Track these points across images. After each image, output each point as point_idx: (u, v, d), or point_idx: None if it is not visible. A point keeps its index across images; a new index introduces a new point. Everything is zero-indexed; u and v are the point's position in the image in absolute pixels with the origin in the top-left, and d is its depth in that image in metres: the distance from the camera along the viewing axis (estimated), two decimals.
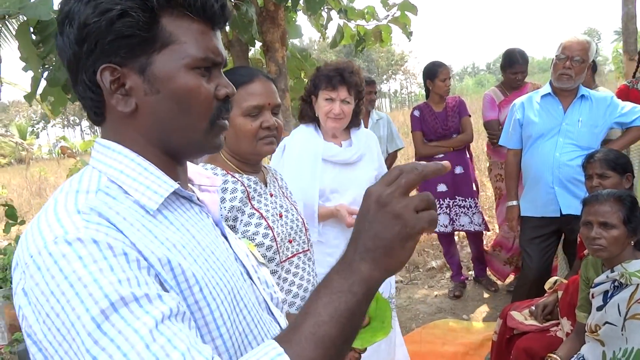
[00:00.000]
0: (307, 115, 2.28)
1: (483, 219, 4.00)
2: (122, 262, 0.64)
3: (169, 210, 0.77)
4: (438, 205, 3.98)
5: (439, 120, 3.96)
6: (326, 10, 4.42)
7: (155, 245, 0.70)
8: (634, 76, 3.55)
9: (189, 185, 0.90)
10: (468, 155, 4.07)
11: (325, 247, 2.15)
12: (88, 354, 0.59)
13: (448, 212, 3.98)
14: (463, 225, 3.98)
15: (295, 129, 2.40)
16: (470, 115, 4.05)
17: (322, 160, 2.21)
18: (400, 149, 4.20)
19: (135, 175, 0.76)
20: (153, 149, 0.79)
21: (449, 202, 3.97)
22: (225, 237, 0.90)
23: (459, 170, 3.95)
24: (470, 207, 3.96)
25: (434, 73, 3.94)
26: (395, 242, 0.65)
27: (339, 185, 2.23)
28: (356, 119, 2.29)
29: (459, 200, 3.97)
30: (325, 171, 2.21)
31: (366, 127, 4.04)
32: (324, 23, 4.45)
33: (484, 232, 4.17)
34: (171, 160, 0.82)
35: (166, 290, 0.69)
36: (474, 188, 4.01)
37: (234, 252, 0.90)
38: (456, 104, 4.01)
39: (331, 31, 4.72)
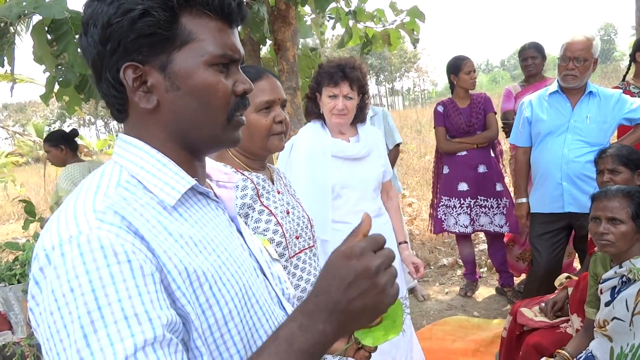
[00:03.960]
0: (313, 112, 2.29)
1: (506, 221, 3.82)
2: (124, 269, 0.65)
3: (185, 206, 0.80)
4: (459, 205, 3.86)
5: (463, 116, 3.84)
6: (328, 17, 4.43)
7: (169, 243, 0.72)
8: (623, 79, 3.52)
9: (207, 181, 0.92)
10: (494, 155, 3.94)
11: (330, 245, 2.16)
12: (70, 358, 0.62)
13: (469, 212, 3.86)
14: (483, 226, 3.86)
15: (302, 128, 2.40)
16: (495, 112, 3.94)
17: (331, 157, 2.22)
18: (398, 144, 3.98)
19: (155, 171, 0.78)
20: (173, 145, 0.81)
21: (470, 201, 3.84)
22: (241, 233, 0.92)
23: (482, 169, 3.84)
24: (492, 207, 3.83)
25: (458, 67, 3.84)
26: (368, 312, 0.68)
27: (349, 181, 2.23)
28: (361, 114, 2.29)
29: (481, 200, 3.85)
30: (334, 167, 2.22)
31: None
32: (333, 24, 4.47)
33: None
34: (190, 156, 0.84)
35: (172, 290, 0.70)
36: (500, 188, 3.86)
37: (249, 247, 0.92)
38: (482, 100, 3.89)
39: (339, 31, 4.74)
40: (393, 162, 3.96)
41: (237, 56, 0.83)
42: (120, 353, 0.62)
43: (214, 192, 0.89)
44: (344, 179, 2.23)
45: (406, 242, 2.45)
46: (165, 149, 0.81)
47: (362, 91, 2.23)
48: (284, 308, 0.94)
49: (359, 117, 2.29)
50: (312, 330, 0.67)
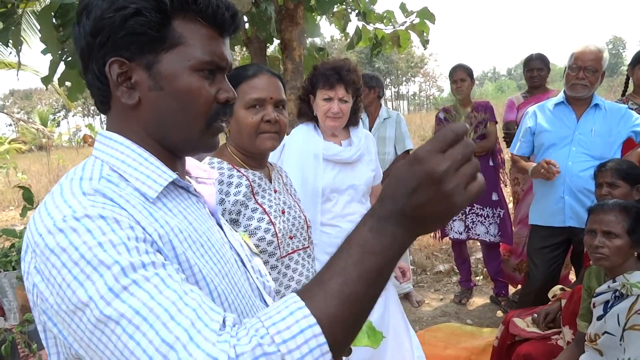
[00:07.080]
0: (306, 114, 2.27)
1: (499, 231, 3.83)
2: (129, 234, 0.67)
3: (167, 198, 0.81)
4: None
5: None
6: (348, 10, 4.44)
7: (156, 225, 0.74)
8: (623, 95, 3.47)
9: (187, 177, 0.94)
10: (493, 164, 3.91)
11: (325, 246, 2.15)
12: (102, 315, 0.62)
13: (464, 218, 3.89)
14: (479, 235, 3.87)
15: (294, 129, 2.36)
16: (497, 122, 3.93)
17: (323, 160, 2.19)
18: (409, 150, 3.97)
19: (136, 165, 0.79)
20: (152, 142, 0.83)
21: (465, 208, 3.90)
22: (221, 227, 0.93)
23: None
24: (488, 216, 3.84)
25: (450, 75, 3.92)
26: (437, 218, 0.64)
27: (339, 185, 2.21)
28: (354, 117, 2.27)
29: (477, 208, 3.86)
30: (325, 170, 2.20)
31: (372, 126, 3.89)
32: (343, 25, 4.47)
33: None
34: (169, 154, 0.85)
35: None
36: (495, 198, 3.86)
37: (229, 241, 0.93)
38: (483, 109, 3.87)
39: (350, 32, 4.72)
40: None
41: (224, 64, 0.84)
42: (152, 290, 0.63)
43: (194, 187, 0.90)
44: (334, 183, 2.21)
45: None
46: (145, 144, 0.82)
47: (357, 94, 2.21)
48: (264, 300, 0.96)
49: (352, 120, 2.26)
50: (383, 232, 0.64)
